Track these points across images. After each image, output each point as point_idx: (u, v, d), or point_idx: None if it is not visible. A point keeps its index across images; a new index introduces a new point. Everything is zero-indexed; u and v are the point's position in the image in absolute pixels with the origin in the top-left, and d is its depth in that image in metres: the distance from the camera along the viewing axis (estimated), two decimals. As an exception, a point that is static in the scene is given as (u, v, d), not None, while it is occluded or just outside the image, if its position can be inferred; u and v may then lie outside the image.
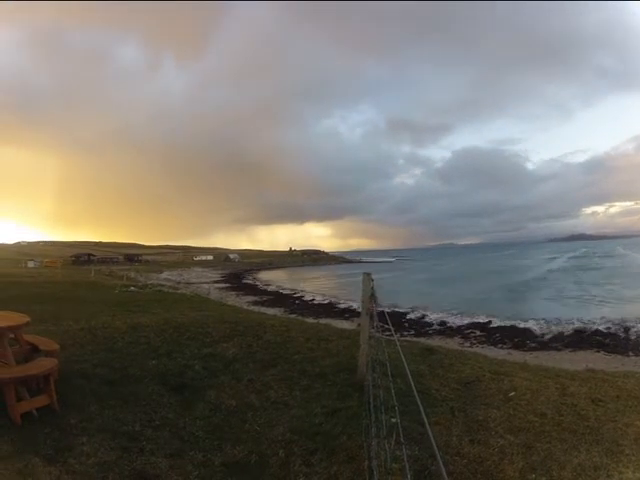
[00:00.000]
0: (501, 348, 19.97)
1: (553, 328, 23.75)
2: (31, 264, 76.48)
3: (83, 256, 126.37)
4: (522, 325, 24.92)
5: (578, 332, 22.63)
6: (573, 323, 24.85)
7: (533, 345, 20.43)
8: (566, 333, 22.46)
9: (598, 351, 18.55)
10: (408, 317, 29.54)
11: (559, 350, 19.22)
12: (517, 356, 16.14)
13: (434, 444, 2.18)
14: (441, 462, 2.13)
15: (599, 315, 26.95)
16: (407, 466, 3.29)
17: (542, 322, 25.53)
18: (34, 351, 6.16)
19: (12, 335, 5.95)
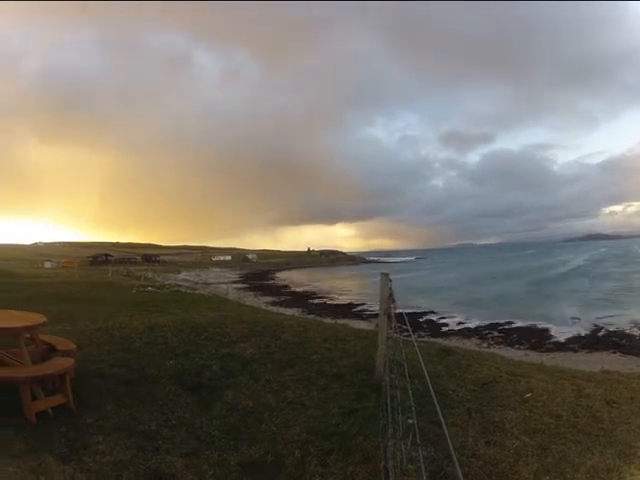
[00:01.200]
0: (518, 349, 20.35)
1: (570, 328, 24.11)
2: (48, 264, 77.57)
3: (100, 257, 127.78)
4: (540, 326, 25.46)
5: (594, 333, 23.22)
6: (590, 323, 25.04)
7: (550, 346, 20.85)
8: (583, 334, 23.04)
9: (614, 352, 18.85)
10: (426, 318, 29.78)
11: (575, 351, 19.60)
12: (534, 357, 16.21)
13: (450, 445, 2.19)
14: (457, 464, 2.14)
15: (615, 315, 27.05)
16: (423, 467, 3.29)
17: (560, 322, 25.78)
18: (50, 351, 6.25)
19: (28, 335, 6.03)
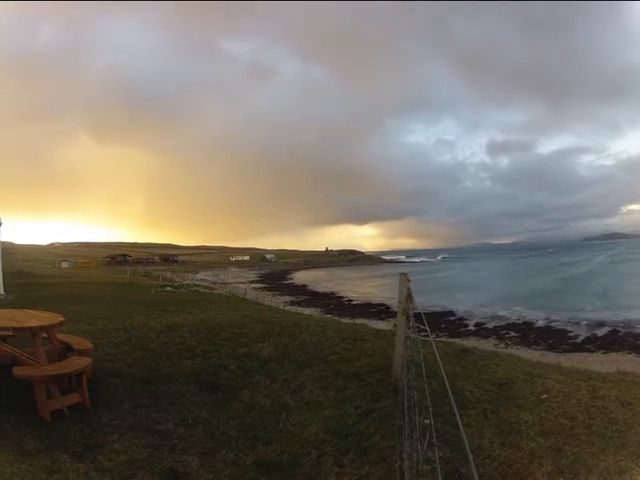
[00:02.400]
0: (535, 349, 20.38)
1: (587, 329, 24.35)
2: (65, 264, 78.29)
3: (118, 257, 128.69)
4: (557, 326, 25.55)
5: (611, 333, 23.14)
6: (606, 324, 25.04)
7: (567, 346, 20.89)
8: (599, 334, 23.00)
9: (629, 353, 18.77)
10: (444, 318, 29.75)
11: (592, 352, 19.56)
12: (551, 357, 16.25)
13: (467, 447, 2.19)
14: (473, 465, 2.13)
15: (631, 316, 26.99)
16: (438, 468, 3.29)
17: (576, 322, 25.96)
18: (67, 350, 6.35)
19: (45, 334, 6.13)
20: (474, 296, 43.35)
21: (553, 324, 26.36)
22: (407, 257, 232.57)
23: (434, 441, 3.52)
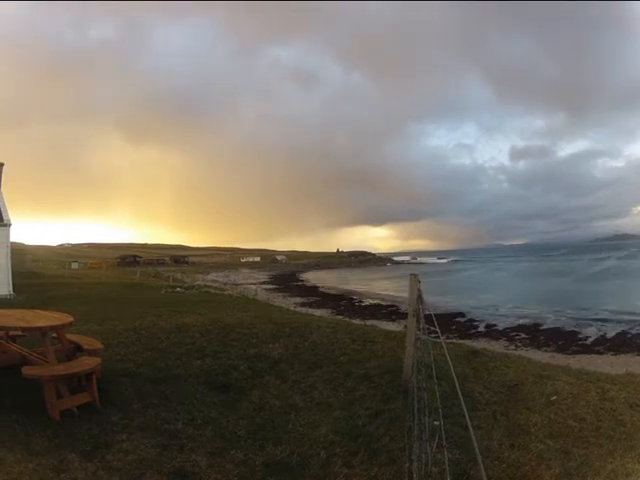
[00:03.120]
0: (545, 351, 20.42)
1: (596, 330, 24.52)
2: (75, 265, 78.65)
3: (128, 258, 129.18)
4: (566, 328, 25.69)
5: (620, 335, 23.28)
6: (615, 325, 25.48)
7: (576, 348, 21.00)
8: (608, 336, 23.12)
9: (639, 354, 18.82)
10: (455, 319, 29.82)
11: (601, 353, 19.65)
12: (560, 359, 16.23)
13: (477, 449, 2.18)
14: (482, 467, 2.13)
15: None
16: (447, 469, 3.29)
17: (586, 323, 26.55)
18: (77, 350, 6.40)
19: (55, 334, 6.18)
20: (485, 297, 43.45)
21: (563, 325, 26.51)
22: (412, 258, 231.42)
23: (443, 443, 3.51)
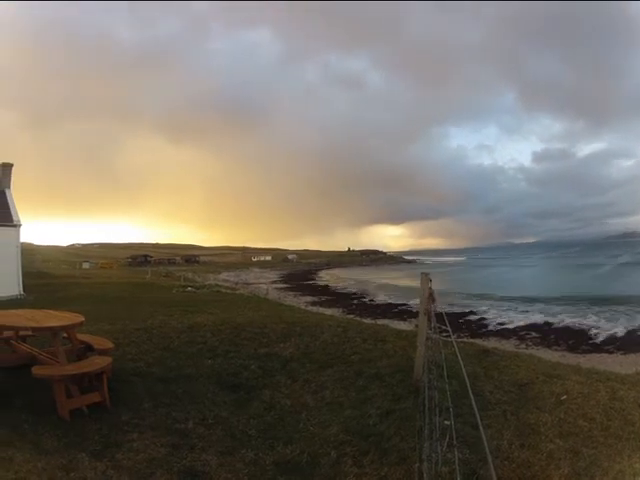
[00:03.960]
0: (555, 350, 20.43)
1: (607, 329, 24.47)
2: (86, 265, 79.02)
3: (139, 257, 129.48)
4: (577, 326, 25.85)
5: (630, 334, 23.27)
6: (626, 325, 25.44)
7: (587, 347, 21.05)
8: (618, 335, 23.11)
9: None
10: (465, 318, 29.82)
11: (611, 353, 19.62)
12: (571, 358, 16.24)
13: (487, 448, 2.19)
14: (492, 467, 2.14)
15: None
16: (457, 469, 3.29)
17: (595, 322, 26.64)
18: (88, 350, 6.45)
19: (65, 334, 6.23)
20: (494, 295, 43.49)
21: (573, 324, 26.50)
22: (419, 257, 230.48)
23: (454, 442, 3.52)
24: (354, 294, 50.64)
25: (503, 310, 33.33)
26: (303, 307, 27.18)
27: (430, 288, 6.03)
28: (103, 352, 6.33)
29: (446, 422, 4.00)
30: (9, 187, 21.37)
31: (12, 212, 20.21)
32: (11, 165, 21.88)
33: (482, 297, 43.19)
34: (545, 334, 24.01)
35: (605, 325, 25.60)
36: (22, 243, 20.99)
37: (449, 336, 5.54)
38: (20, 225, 20.13)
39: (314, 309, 28.39)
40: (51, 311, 6.98)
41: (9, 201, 20.64)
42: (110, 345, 6.75)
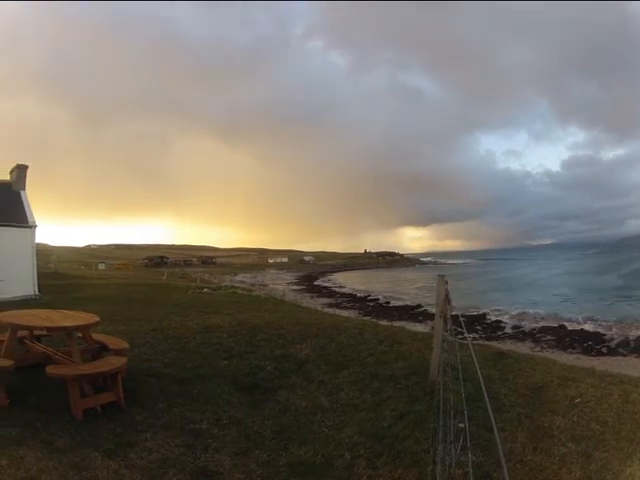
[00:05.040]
0: (570, 353, 20.52)
1: (621, 332, 24.58)
2: (102, 266, 79.75)
3: (156, 259, 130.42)
4: (591, 329, 25.92)
5: None
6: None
7: (601, 350, 21.06)
8: (631, 337, 23.09)
9: None
10: (481, 321, 29.80)
11: (625, 356, 19.67)
12: (585, 361, 16.19)
13: (501, 451, 2.18)
14: (505, 470, 2.13)
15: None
16: (471, 472, 3.29)
17: (609, 325, 26.89)
18: (102, 350, 6.51)
19: (80, 334, 6.29)
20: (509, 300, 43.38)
21: (588, 327, 26.54)
22: (434, 259, 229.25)
23: (467, 445, 3.51)
24: (369, 295, 50.69)
25: (515, 313, 33.24)
26: (319, 309, 27.25)
27: (446, 290, 6.02)
28: (118, 352, 6.38)
29: (460, 425, 4.00)
30: (24, 188, 21.63)
31: (27, 213, 20.45)
32: (26, 167, 22.13)
33: (490, 301, 43.05)
34: (560, 337, 24.04)
35: (619, 329, 25.53)
36: (37, 244, 21.22)
37: (465, 338, 5.52)
38: (35, 226, 20.36)
39: (330, 311, 28.47)
40: (67, 311, 7.05)
41: (24, 202, 20.88)
42: (125, 345, 6.80)
